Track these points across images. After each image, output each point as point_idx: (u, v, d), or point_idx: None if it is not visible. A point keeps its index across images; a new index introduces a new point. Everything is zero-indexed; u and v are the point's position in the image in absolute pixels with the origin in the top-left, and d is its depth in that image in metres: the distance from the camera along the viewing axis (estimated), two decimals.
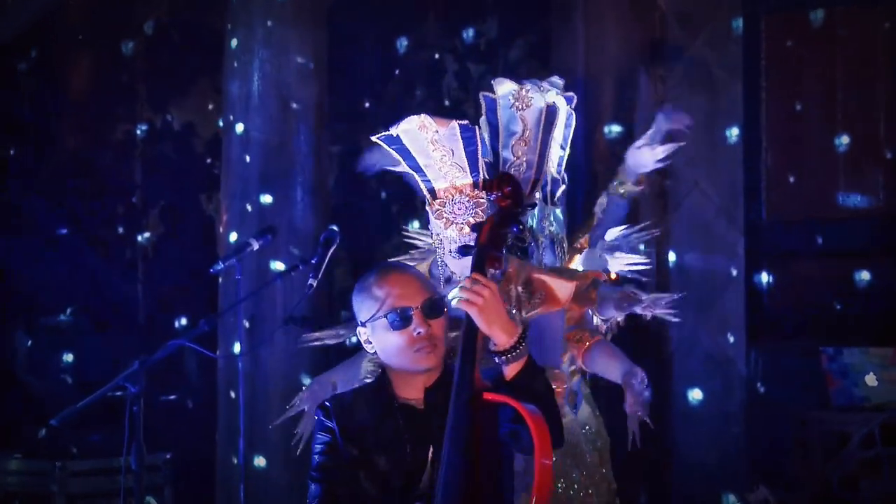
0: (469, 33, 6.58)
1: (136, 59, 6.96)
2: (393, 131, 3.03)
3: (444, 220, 3.01)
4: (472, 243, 2.47)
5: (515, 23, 6.45)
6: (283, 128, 5.89)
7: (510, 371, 2.37)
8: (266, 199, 5.84)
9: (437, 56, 6.62)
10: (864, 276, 5.81)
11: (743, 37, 5.80)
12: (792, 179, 6.05)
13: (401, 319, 2.45)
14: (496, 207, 2.48)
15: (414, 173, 3.06)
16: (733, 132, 5.72)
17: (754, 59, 5.94)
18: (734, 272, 5.70)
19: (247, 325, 5.57)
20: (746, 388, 5.65)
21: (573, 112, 3.57)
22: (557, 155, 3.53)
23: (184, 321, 6.64)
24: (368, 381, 3.24)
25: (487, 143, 3.19)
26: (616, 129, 5.72)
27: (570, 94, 3.58)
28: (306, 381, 5.06)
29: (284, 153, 5.89)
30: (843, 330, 5.73)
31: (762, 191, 6.00)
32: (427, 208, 3.06)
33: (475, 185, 3.02)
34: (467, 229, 2.98)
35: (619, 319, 3.39)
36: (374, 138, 3.05)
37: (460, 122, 3.01)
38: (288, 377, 5.51)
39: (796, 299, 5.97)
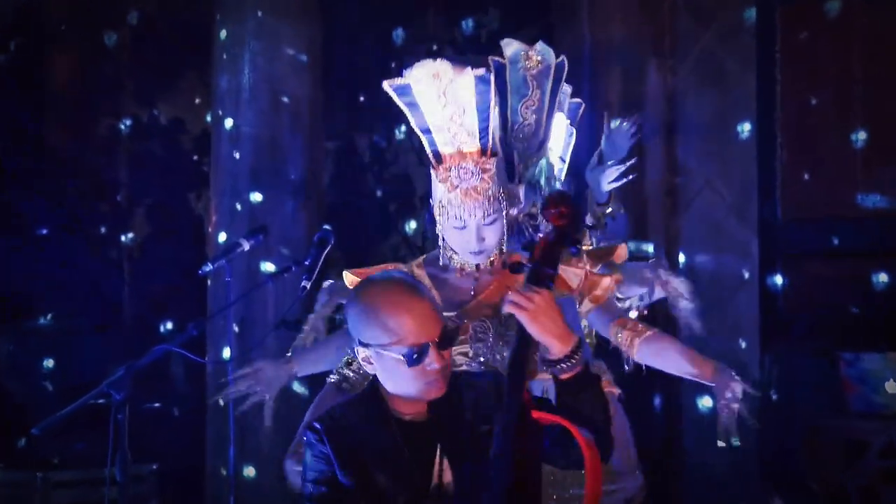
0: (469, 24, 6.58)
1: (120, 52, 6.94)
2: (406, 76, 2.99)
3: (449, 183, 2.98)
4: (524, 261, 2.45)
5: (518, 13, 6.44)
6: (275, 123, 5.88)
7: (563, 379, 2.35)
8: (257, 197, 5.82)
9: (435, 48, 6.61)
10: (882, 277, 5.81)
11: (756, 28, 5.79)
12: (807, 177, 6.04)
13: (418, 356, 2.36)
14: (552, 226, 2.47)
15: (420, 134, 3.03)
16: (745, 127, 5.71)
17: (768, 51, 5.94)
18: (746, 274, 5.69)
19: (237, 329, 5.55)
20: (762, 394, 5.63)
21: (574, 129, 3.62)
22: (556, 167, 3.55)
23: (170, 325, 6.63)
24: (332, 379, 3.22)
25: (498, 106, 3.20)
26: (623, 125, 5.71)
27: (578, 100, 3.61)
28: (299, 388, 5.03)
29: (276, 149, 5.87)
30: (859, 334, 5.71)
31: (776, 189, 5.99)
32: (431, 171, 3.04)
33: (483, 152, 3.00)
34: (474, 194, 2.96)
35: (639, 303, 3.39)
36: (385, 84, 3.01)
37: (476, 71, 2.98)
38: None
39: (811, 302, 5.95)
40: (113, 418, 2.70)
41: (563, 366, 2.33)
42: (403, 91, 3.02)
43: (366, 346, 2.41)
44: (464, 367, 2.88)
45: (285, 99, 5.89)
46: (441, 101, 2.98)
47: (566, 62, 3.38)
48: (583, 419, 2.31)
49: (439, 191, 3.02)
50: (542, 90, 3.31)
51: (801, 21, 6.03)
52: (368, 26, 6.62)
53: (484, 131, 2.98)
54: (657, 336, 3.17)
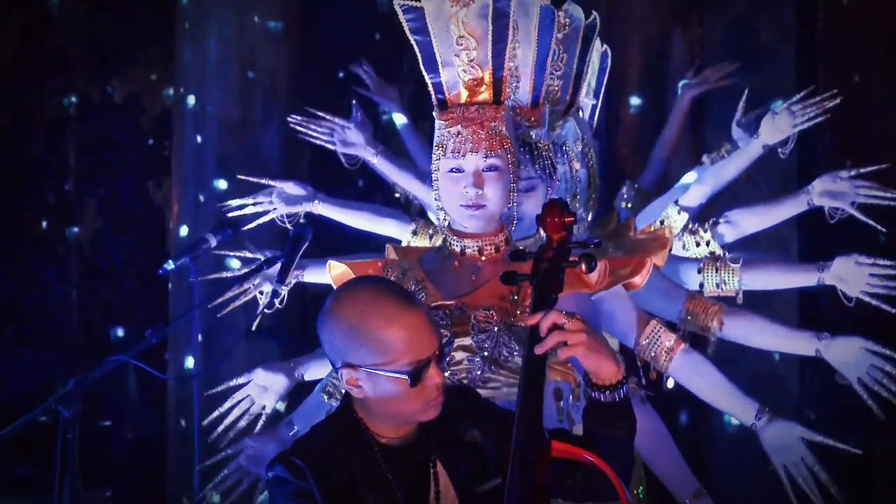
0: None
1: (66, 20, 6.93)
2: None
3: (451, 119, 2.97)
4: (517, 270, 2.45)
5: None
6: (246, 101, 5.88)
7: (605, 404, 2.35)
8: (224, 186, 5.81)
9: None
10: None
11: None
12: (851, 164, 6.03)
13: (419, 374, 2.34)
14: (549, 237, 2.46)
15: (428, 78, 3.03)
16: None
17: (808, 21, 5.93)
18: None
19: (201, 337, 5.53)
20: (799, 412, 5.63)
21: (608, 51, 3.74)
22: (589, 105, 3.64)
23: (120, 332, 6.64)
24: (324, 395, 3.24)
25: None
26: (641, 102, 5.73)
27: (604, 47, 3.75)
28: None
29: (247, 132, 5.88)
30: None
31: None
32: (436, 121, 3.03)
33: (496, 99, 2.99)
34: (477, 128, 2.94)
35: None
36: (396, 3, 3.00)
37: None
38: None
39: (857, 307, 5.93)
40: (61, 438, 2.69)
41: (613, 393, 2.32)
42: (413, 16, 3.01)
43: (353, 367, 2.37)
44: (464, 364, 2.87)
45: (258, 74, 5.89)
46: (455, 31, 2.97)
47: (598, 20, 3.46)
48: (611, 454, 2.30)
49: (439, 132, 3.00)
50: (569, 53, 3.38)
51: None
52: None
53: (498, 72, 2.97)
54: (693, 354, 3.19)
